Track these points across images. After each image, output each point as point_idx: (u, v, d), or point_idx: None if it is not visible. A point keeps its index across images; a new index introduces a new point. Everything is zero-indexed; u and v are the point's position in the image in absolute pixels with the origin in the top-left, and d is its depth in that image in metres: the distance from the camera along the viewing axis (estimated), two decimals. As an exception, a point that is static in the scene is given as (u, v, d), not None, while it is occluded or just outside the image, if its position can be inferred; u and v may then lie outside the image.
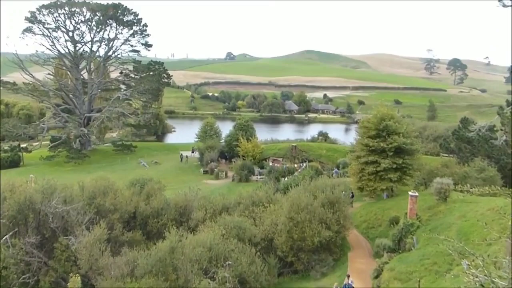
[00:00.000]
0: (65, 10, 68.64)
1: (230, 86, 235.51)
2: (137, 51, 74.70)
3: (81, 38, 70.97)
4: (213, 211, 26.60)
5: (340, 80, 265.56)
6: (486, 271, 7.43)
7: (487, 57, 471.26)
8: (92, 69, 74.53)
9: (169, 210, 26.65)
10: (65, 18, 68.87)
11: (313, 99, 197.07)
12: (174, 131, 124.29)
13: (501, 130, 39.22)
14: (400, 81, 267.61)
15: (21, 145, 66.13)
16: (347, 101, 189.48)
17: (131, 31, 72.96)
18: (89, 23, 70.27)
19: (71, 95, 71.54)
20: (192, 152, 67.08)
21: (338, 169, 48.87)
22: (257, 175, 52.06)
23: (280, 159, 57.75)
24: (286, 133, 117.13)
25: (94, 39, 71.85)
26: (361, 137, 34.61)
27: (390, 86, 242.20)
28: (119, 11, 71.07)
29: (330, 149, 58.49)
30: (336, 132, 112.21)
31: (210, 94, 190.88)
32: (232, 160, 59.08)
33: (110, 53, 73.65)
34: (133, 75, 76.52)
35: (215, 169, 55.12)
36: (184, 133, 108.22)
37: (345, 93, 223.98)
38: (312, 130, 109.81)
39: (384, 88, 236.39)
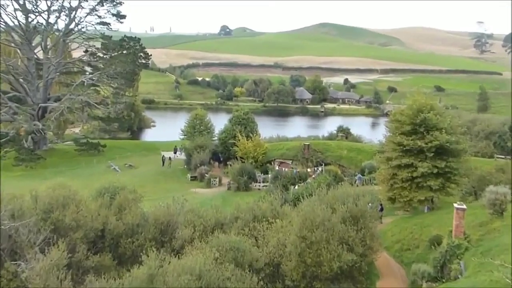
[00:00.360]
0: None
1: (226, 69, 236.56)
2: (107, 24, 74.38)
3: (35, 6, 70.74)
4: (204, 229, 26.56)
5: (365, 61, 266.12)
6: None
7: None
8: (48, 47, 74.34)
9: (147, 227, 26.60)
10: (13, -20, 68.85)
11: (331, 85, 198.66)
12: (154, 126, 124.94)
13: None
14: (442, 62, 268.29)
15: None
16: (375, 87, 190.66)
17: (99, -2, 73.01)
18: (45, -14, 70.36)
19: (21, 80, 71.22)
20: (175, 152, 67.37)
21: (363, 175, 49.12)
22: (259, 182, 52.36)
23: (289, 162, 58.14)
24: (297, 128, 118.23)
25: (52, 8, 71.69)
26: (392, 134, 34.79)
27: (429, 69, 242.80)
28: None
29: (352, 149, 58.85)
30: (360, 127, 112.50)
31: (200, 78, 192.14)
32: (227, 163, 59.46)
33: (72, 26, 73.49)
34: (101, 54, 76.58)
35: (206, 175, 55.35)
36: (166, 129, 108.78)
37: (371, 77, 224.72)
38: (330, 125, 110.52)
39: (421, 71, 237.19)
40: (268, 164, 58.70)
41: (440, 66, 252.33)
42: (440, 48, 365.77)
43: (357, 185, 42.55)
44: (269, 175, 53.27)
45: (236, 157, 58.31)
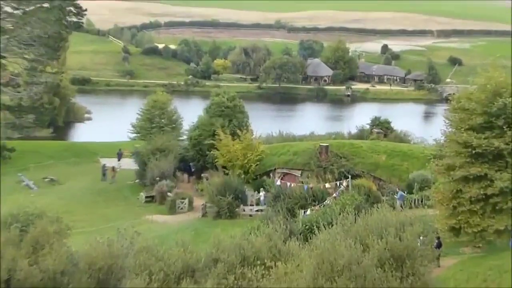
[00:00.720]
0: None
1: (201, 31, 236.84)
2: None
3: None
4: (165, 277, 26.51)
5: (412, 17, 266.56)
6: None
7: None
8: None
9: (77, 275, 26.58)
10: None
11: (362, 55, 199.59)
12: (90, 119, 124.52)
13: None
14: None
15: None
16: (429, 59, 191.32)
17: None
18: None
19: None
20: (120, 159, 67.66)
21: (411, 192, 49.28)
22: (251, 205, 52.34)
23: (297, 173, 58.33)
24: (310, 122, 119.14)
25: None
26: (455, 130, 34.95)
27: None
28: None
29: (394, 154, 59.13)
30: (407, 119, 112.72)
31: (161, 46, 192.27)
32: (202, 175, 59.48)
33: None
34: (9, 9, 76.37)
35: (169, 194, 55.20)
36: (109, 123, 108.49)
37: (424, 43, 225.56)
38: (361, 116, 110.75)
39: (501, 33, 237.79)
40: (265, 177, 58.76)
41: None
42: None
43: (400, 208, 42.50)
44: (266, 194, 53.12)
45: (216, 167, 58.18)
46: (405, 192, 49.43)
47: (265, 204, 51.51)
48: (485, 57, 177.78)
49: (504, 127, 32.83)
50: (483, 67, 37.71)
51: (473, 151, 33.17)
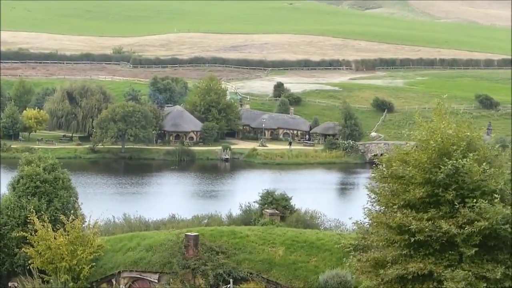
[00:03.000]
0: None
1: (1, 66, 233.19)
2: None
3: None
4: None
5: (319, 41, 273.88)
6: None
7: None
8: None
9: None
10: None
11: (246, 98, 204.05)
12: None
13: None
14: (490, 42, 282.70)
15: None
16: (344, 102, 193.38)
17: None
18: None
19: None
20: None
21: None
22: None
23: (154, 277, 57.73)
24: (169, 200, 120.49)
25: None
26: (385, 207, 35.98)
27: (464, 58, 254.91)
28: None
29: (296, 244, 58.99)
30: (313, 193, 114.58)
31: None
32: (10, 284, 59.32)
33: None
34: None
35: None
36: None
37: (337, 79, 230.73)
38: (245, 190, 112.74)
39: (448, 64, 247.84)
40: (104, 285, 58.20)
41: (488, 51, 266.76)
42: (489, 11, 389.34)
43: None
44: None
45: (31, 271, 56.92)
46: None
47: None
48: (426, 99, 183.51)
49: (456, 203, 33.40)
50: (423, 114, 38.50)
51: (412, 239, 33.48)
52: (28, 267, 57.95)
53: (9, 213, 61.17)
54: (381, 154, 43.69)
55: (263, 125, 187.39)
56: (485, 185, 33.46)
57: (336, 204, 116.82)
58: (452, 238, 32.96)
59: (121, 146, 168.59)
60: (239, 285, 53.89)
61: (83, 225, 61.40)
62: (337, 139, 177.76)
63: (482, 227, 32.63)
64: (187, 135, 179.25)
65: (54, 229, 58.14)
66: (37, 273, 57.36)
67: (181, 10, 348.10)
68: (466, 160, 33.24)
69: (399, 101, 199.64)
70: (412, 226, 33.14)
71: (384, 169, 36.08)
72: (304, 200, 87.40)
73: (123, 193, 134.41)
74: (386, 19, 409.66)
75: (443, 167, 33.22)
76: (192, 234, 59.08)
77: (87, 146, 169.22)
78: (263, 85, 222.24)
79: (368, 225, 38.71)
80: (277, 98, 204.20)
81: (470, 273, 32.67)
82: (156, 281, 57.10)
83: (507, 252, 33.73)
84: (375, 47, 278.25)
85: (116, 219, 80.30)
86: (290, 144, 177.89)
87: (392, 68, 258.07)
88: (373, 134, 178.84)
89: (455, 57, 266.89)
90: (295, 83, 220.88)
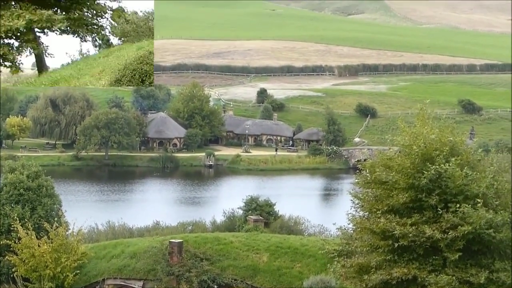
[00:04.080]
0: None
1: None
2: None
3: None
4: None
5: (302, 47, 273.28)
6: None
7: None
8: None
9: None
10: None
11: (229, 104, 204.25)
12: None
13: None
14: (475, 47, 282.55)
15: None
16: (327, 108, 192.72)
17: None
18: None
19: None
20: None
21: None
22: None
23: (138, 284, 57.71)
24: (153, 206, 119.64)
25: None
26: (368, 213, 35.96)
27: (447, 63, 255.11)
28: None
29: (280, 251, 59.14)
30: (297, 199, 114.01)
31: None
32: None
33: None
34: None
35: None
36: None
37: (320, 85, 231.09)
38: (229, 196, 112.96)
39: (431, 70, 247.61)
40: (88, 292, 57.49)
41: (470, 56, 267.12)
42: (471, 16, 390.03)
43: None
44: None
45: (15, 279, 56.87)
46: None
47: None
48: (409, 104, 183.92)
49: (439, 208, 33.38)
50: (406, 119, 38.42)
51: (396, 244, 33.43)
52: (12, 275, 57.62)
53: (-9, 221, 60.68)
54: (365, 160, 43.55)
55: (247, 131, 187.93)
56: (468, 189, 33.38)
57: (320, 210, 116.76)
58: (436, 243, 32.94)
59: (104, 153, 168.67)
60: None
61: (67, 233, 61.09)
62: (321, 145, 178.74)
63: (465, 232, 32.60)
64: (170, 141, 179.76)
65: (38, 236, 57.85)
66: (21, 281, 57.12)
67: (163, 17, 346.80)
68: (449, 165, 33.19)
69: (382, 106, 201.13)
70: (396, 232, 33.09)
71: (367, 174, 35.99)
72: (288, 206, 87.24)
73: (107, 200, 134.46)
74: (369, 24, 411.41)
75: (426, 172, 33.21)
76: (176, 241, 58.96)
77: (70, 153, 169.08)
78: (246, 91, 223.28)
79: (352, 231, 38.70)
80: (260, 104, 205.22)
81: (454, 278, 32.64)
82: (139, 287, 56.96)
83: (490, 256, 33.66)
84: (358, 53, 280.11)
85: (100, 226, 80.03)
86: (276, 150, 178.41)
87: (375, 74, 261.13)
88: (357, 139, 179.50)
89: (438, 62, 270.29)
90: (278, 89, 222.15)
